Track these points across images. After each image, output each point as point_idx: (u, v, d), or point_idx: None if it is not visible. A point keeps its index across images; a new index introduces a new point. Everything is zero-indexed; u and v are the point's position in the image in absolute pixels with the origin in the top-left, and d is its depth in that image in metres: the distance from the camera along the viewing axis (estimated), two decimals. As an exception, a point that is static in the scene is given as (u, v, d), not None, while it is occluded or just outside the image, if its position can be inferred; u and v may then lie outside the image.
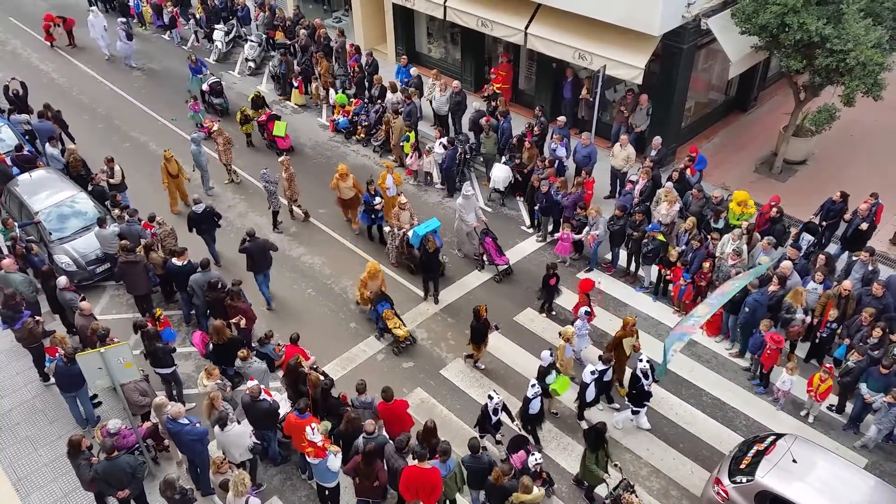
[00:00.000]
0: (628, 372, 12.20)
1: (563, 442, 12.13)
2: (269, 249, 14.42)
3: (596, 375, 11.63)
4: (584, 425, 12.03)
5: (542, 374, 11.66)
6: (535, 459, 10.33)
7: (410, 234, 14.91)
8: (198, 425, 10.75)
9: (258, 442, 10.95)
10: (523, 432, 11.48)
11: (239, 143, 19.46)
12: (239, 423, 10.88)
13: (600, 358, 11.78)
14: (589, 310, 12.91)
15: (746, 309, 12.68)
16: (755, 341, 12.54)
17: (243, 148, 19.72)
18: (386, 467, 10.29)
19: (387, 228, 15.70)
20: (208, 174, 18.03)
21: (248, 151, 19.79)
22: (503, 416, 11.32)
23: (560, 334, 12.55)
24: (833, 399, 12.39)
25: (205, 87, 20.94)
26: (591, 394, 11.75)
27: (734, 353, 13.51)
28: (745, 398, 12.73)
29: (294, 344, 12.31)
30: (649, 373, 11.48)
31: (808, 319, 12.67)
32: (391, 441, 10.45)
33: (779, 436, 10.79)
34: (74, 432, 10.87)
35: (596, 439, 10.37)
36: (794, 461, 10.13)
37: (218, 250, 15.95)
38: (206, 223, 15.46)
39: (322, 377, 11.46)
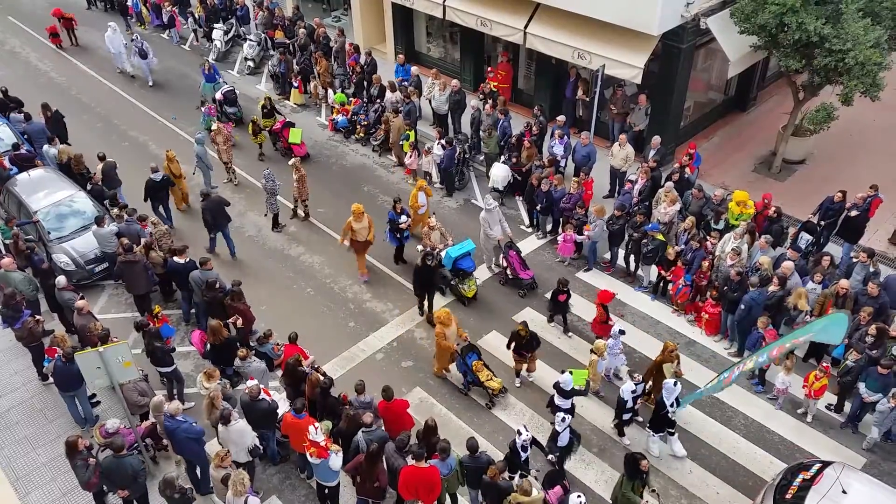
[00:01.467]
0: None
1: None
2: (224, 205, 15.47)
3: (637, 394, 11.42)
4: (626, 441, 11.94)
5: (570, 396, 11.36)
6: (580, 501, 9.46)
7: (443, 255, 14.49)
8: (195, 424, 10.75)
9: (259, 446, 10.95)
10: (549, 458, 11.19)
11: (249, 151, 19.44)
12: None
13: (630, 375, 11.54)
14: (623, 329, 12.58)
15: (742, 307, 12.68)
16: (752, 340, 12.55)
17: (251, 154, 19.52)
18: (386, 466, 10.30)
19: (419, 247, 14.99)
20: (211, 174, 17.98)
21: (253, 155, 19.55)
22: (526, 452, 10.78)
23: (592, 350, 12.38)
24: (832, 398, 12.41)
25: (218, 95, 20.52)
26: (628, 408, 11.56)
27: (732, 353, 13.51)
28: (743, 397, 12.73)
29: (293, 343, 12.31)
30: (675, 403, 11.20)
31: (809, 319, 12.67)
32: (391, 440, 10.46)
33: (825, 464, 10.37)
34: (71, 433, 10.86)
35: (634, 467, 10.00)
36: (843, 492, 9.69)
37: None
38: (162, 191, 16.48)
39: (322, 377, 11.46)
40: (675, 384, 11.11)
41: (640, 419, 12.19)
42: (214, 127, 18.19)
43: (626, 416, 11.72)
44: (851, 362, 11.72)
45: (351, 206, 14.82)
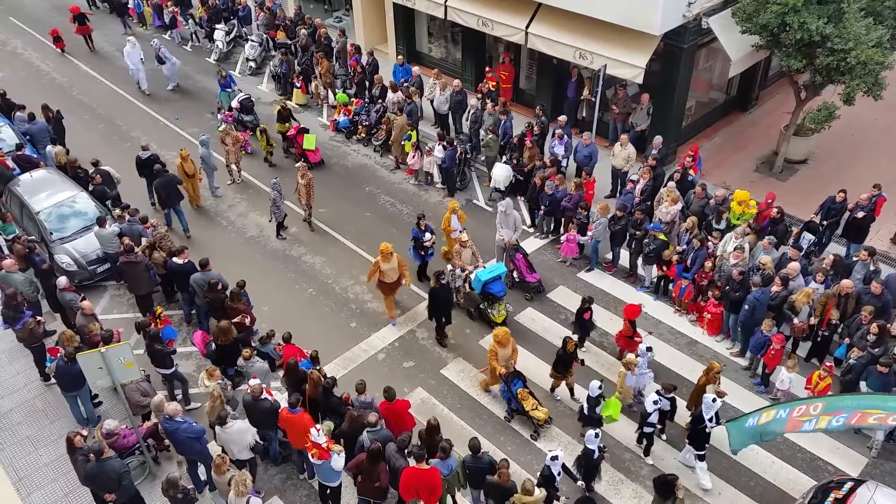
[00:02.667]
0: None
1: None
2: (177, 183, 16.45)
3: (659, 405, 11.09)
4: (650, 461, 11.70)
5: (593, 405, 11.25)
6: None
7: (472, 277, 13.93)
8: (194, 424, 10.76)
9: (260, 442, 10.95)
10: (579, 484, 11.04)
11: (260, 154, 19.30)
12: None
13: (659, 392, 11.22)
14: (651, 347, 12.29)
15: (746, 307, 12.64)
16: (757, 341, 12.52)
17: (259, 161, 19.29)
18: (387, 467, 10.29)
19: (449, 267, 14.35)
20: (215, 175, 17.94)
21: (257, 160, 19.37)
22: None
23: (622, 363, 12.10)
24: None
25: (234, 103, 20.09)
26: (653, 419, 11.22)
27: (735, 353, 13.50)
28: (745, 397, 12.68)
29: (287, 343, 12.32)
30: (714, 418, 10.75)
31: (813, 321, 12.63)
32: (393, 440, 10.45)
33: (857, 482, 10.04)
34: (71, 430, 10.86)
35: (664, 489, 9.75)
36: None
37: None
38: (147, 168, 16.96)
39: (323, 378, 11.46)
40: (714, 400, 10.74)
41: (664, 438, 12.00)
42: (222, 127, 18.00)
43: (647, 430, 11.39)
44: (854, 360, 11.69)
45: (376, 238, 14.67)
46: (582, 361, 12.71)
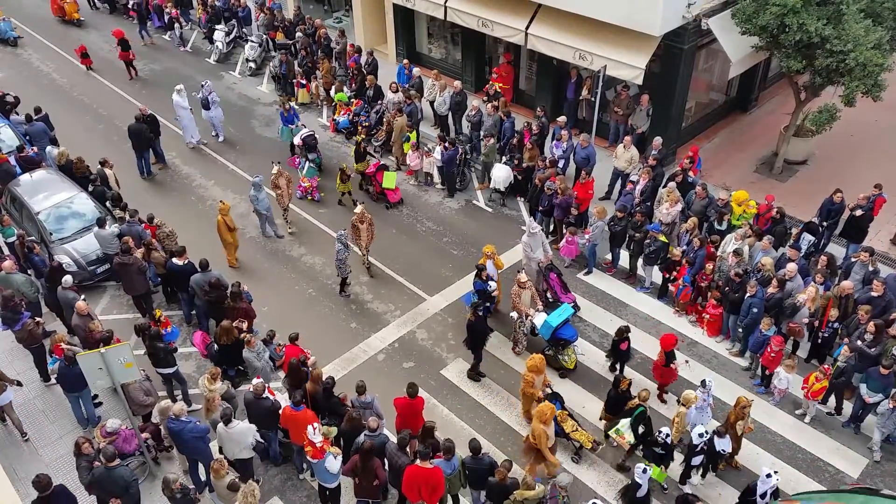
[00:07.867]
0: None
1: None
2: (145, 134, 18.24)
3: (705, 438, 10.62)
4: (688, 489, 11.21)
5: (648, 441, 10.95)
6: None
7: (538, 321, 13.01)
8: (199, 423, 10.79)
9: (261, 441, 10.96)
10: None
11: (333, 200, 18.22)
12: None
13: (717, 431, 10.80)
14: (706, 379, 11.46)
15: (755, 310, 12.55)
16: (756, 341, 12.53)
17: (333, 205, 18.05)
18: (388, 465, 10.30)
19: (514, 315, 13.44)
20: (269, 218, 16.69)
21: (333, 207, 18.04)
22: None
23: (679, 401, 11.45)
24: (832, 402, 12.37)
25: (297, 140, 18.80)
26: (697, 459, 10.82)
27: (735, 353, 13.51)
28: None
29: (293, 343, 12.32)
30: (771, 496, 10.11)
31: (814, 322, 12.62)
32: (392, 440, 10.46)
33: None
34: (81, 435, 10.86)
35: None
36: None
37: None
38: (136, 138, 18.46)
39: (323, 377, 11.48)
40: (769, 476, 10.01)
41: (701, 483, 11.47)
42: (275, 169, 16.57)
43: (694, 462, 10.92)
44: (843, 362, 11.67)
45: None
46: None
